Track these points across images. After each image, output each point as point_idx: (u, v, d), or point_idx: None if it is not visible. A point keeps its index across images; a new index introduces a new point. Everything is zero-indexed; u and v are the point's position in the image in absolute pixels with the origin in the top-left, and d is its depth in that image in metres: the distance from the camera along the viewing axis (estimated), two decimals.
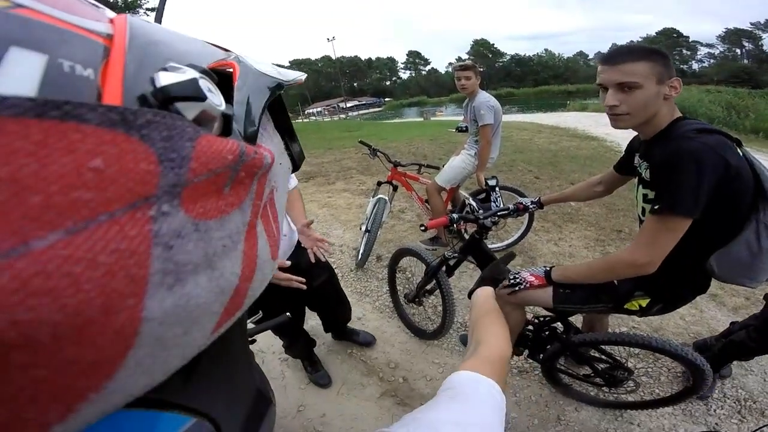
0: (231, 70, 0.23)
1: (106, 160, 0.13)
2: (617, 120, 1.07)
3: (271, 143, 0.26)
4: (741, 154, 0.99)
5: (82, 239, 0.13)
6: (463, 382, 0.45)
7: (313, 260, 1.44)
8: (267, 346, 2.12)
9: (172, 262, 0.16)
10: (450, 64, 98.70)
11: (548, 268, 1.30)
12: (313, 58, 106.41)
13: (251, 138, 0.22)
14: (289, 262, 1.25)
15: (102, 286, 0.13)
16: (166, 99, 0.16)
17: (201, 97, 0.17)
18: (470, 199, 2.88)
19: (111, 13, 0.20)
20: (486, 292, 0.81)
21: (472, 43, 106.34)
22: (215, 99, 0.19)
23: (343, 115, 46.96)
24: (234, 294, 0.21)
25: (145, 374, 0.17)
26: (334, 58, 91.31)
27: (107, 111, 0.13)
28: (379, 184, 3.05)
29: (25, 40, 0.13)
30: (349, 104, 64.04)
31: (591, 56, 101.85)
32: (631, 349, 1.39)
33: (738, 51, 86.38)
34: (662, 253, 1.00)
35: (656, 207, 0.98)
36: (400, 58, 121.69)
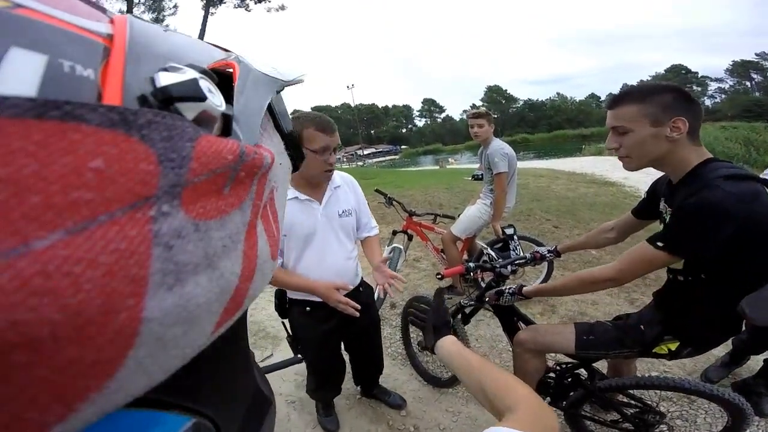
0: (231, 70, 0.23)
1: (107, 161, 0.13)
2: (623, 161, 1.09)
3: (270, 143, 0.26)
4: None
5: (82, 239, 0.13)
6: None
7: (382, 296, 1.52)
8: (275, 388, 2.07)
9: (173, 262, 0.15)
10: (464, 111, 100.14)
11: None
12: (333, 105, 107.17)
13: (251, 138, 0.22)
14: (352, 286, 1.37)
15: (102, 286, 0.13)
16: (166, 99, 0.17)
17: (201, 98, 0.17)
18: (488, 249, 2.83)
19: (112, 14, 0.20)
20: (451, 340, 0.74)
21: (485, 89, 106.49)
22: (215, 99, 0.19)
23: (360, 163, 47.96)
24: (234, 294, 0.21)
25: (145, 374, 0.17)
26: (353, 105, 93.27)
27: (107, 111, 0.13)
28: (395, 233, 3.06)
29: (25, 41, 0.13)
30: (366, 151, 65.45)
31: (603, 98, 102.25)
32: (663, 392, 1.32)
33: (747, 84, 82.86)
34: (635, 277, 1.07)
35: (658, 243, 1.00)
36: (416, 105, 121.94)
